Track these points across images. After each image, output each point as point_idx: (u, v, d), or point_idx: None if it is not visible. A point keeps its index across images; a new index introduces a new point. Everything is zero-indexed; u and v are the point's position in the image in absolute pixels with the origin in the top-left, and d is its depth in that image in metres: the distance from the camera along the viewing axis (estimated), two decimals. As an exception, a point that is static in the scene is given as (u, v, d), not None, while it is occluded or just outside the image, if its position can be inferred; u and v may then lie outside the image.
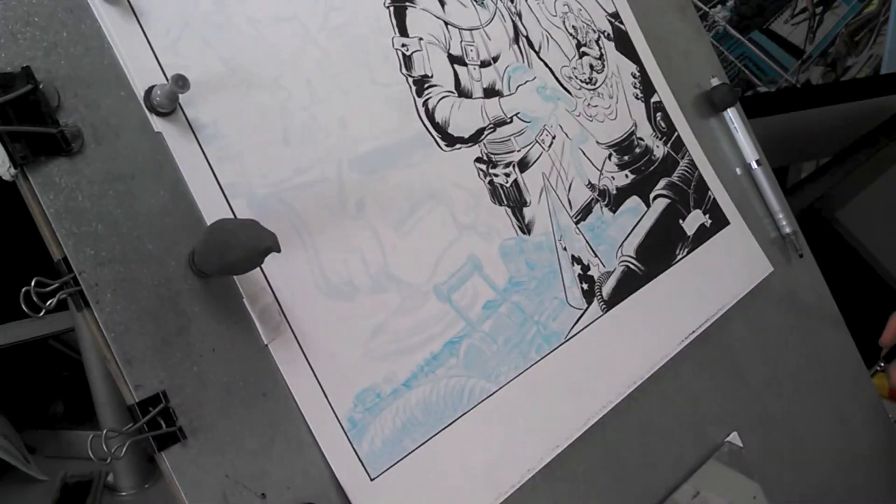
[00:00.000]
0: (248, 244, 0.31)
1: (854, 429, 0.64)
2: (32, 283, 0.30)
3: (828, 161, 1.03)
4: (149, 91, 0.35)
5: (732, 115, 0.62)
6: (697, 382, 0.54)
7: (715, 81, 0.62)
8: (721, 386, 0.56)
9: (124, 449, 0.31)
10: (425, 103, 0.45)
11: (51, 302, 0.30)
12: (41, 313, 0.30)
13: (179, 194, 0.35)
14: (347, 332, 0.39)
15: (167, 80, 0.35)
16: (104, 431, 0.31)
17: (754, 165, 0.62)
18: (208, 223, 0.35)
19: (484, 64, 0.48)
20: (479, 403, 0.42)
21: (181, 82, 0.33)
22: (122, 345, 0.32)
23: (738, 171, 0.62)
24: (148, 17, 0.36)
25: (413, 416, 0.39)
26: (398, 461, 0.38)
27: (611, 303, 0.50)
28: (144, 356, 0.32)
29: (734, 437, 0.55)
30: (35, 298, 0.30)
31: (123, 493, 0.59)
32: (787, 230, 0.62)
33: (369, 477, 0.37)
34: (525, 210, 0.47)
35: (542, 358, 0.45)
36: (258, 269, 0.35)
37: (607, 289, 0.50)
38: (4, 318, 0.64)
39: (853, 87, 1.11)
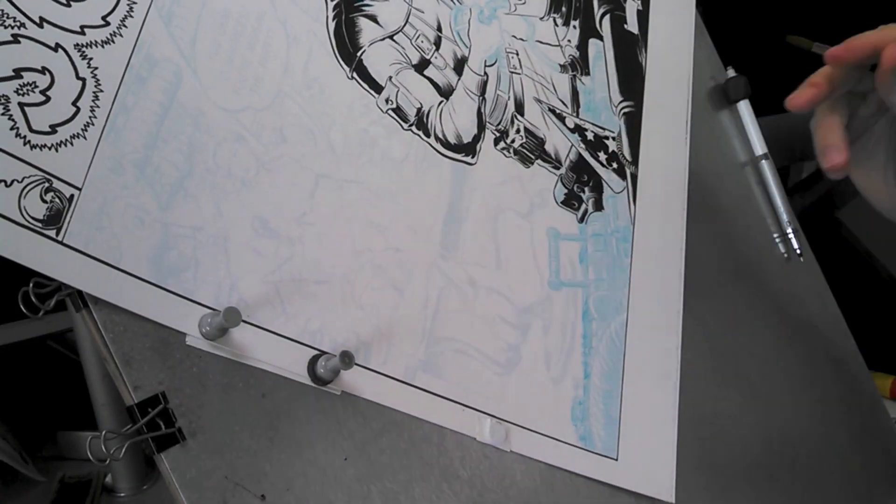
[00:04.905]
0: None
1: (854, 429, 0.64)
2: (31, 284, 0.30)
3: (828, 161, 1.03)
4: (312, 362, 0.36)
5: (744, 107, 0.63)
6: (693, 384, 0.54)
7: (731, 73, 0.63)
8: (723, 383, 0.56)
9: (123, 450, 0.31)
10: (433, 128, 0.44)
11: (49, 302, 0.30)
12: (40, 314, 0.30)
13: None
14: (537, 383, 0.43)
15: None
16: (103, 432, 0.31)
17: (764, 158, 0.63)
18: None
19: (436, 42, 0.45)
20: (626, 338, 0.47)
21: (347, 359, 0.34)
22: (120, 345, 0.32)
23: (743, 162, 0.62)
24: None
25: (604, 392, 0.45)
26: (619, 436, 0.44)
27: (633, 160, 0.52)
28: (143, 357, 0.32)
29: None
30: (33, 299, 0.30)
31: (122, 495, 0.59)
32: (788, 229, 0.62)
33: (612, 459, 0.44)
34: (546, 147, 0.48)
35: (631, 258, 0.50)
36: None
37: (625, 150, 0.52)
38: (3, 318, 0.64)
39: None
